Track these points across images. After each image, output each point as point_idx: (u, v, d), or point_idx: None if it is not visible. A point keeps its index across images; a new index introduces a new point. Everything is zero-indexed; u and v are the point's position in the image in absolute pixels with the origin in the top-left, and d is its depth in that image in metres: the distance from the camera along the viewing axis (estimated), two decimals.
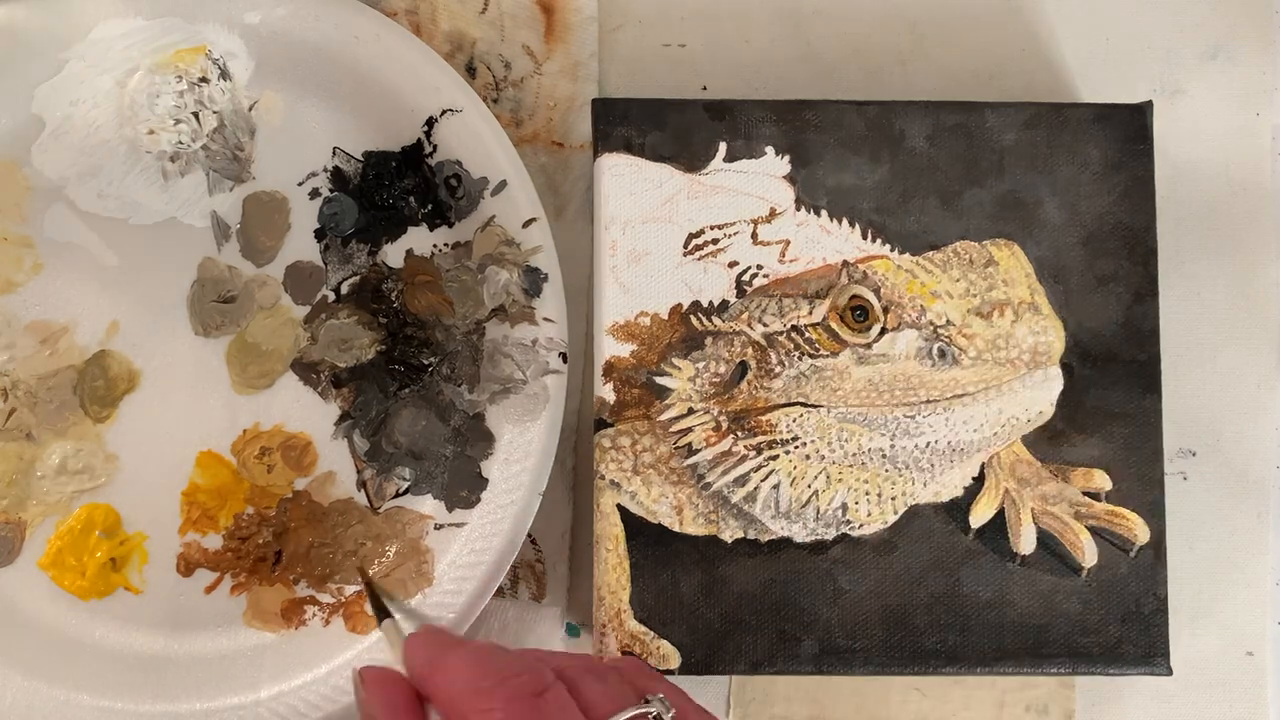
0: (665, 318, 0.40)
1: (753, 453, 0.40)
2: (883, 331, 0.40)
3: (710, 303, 0.40)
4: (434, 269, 0.41)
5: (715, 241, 0.40)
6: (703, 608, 0.39)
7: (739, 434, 0.40)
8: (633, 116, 0.40)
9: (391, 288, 0.41)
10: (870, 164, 0.41)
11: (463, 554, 0.40)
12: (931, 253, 0.40)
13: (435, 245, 0.41)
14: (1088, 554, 0.39)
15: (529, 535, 0.41)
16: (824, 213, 0.40)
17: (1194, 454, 0.43)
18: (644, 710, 0.31)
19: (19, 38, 0.40)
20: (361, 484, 0.41)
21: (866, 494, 0.39)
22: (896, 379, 0.40)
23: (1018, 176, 0.41)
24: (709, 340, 0.40)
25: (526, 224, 0.41)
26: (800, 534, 0.39)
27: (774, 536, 0.39)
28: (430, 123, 0.41)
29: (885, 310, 0.40)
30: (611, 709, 0.30)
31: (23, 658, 0.39)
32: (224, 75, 0.41)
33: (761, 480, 0.40)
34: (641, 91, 0.43)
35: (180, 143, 0.41)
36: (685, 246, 0.40)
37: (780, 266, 0.40)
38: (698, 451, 0.40)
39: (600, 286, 0.40)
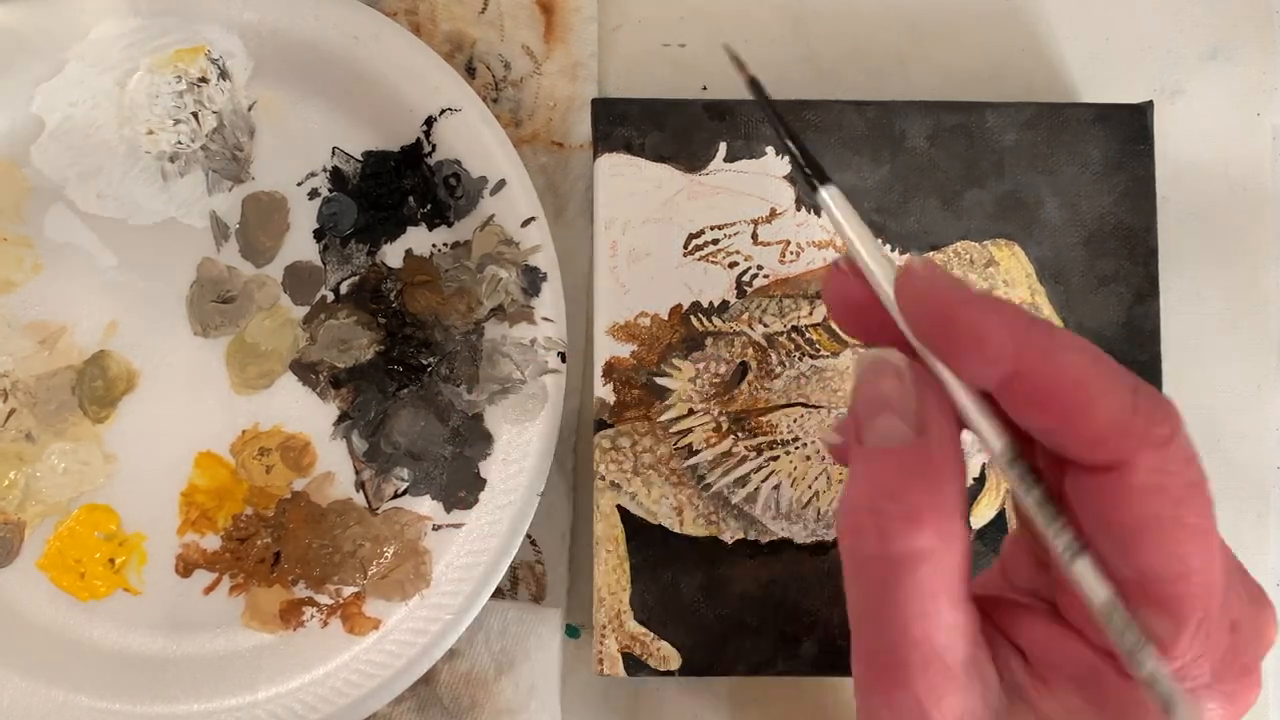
0: (665, 318, 0.40)
1: (753, 453, 0.40)
2: None
3: (710, 303, 0.40)
4: (433, 269, 0.41)
5: (715, 242, 0.40)
6: (703, 609, 0.39)
7: (739, 435, 0.40)
8: (632, 116, 0.40)
9: (390, 288, 0.41)
10: (870, 164, 0.41)
11: (460, 555, 0.40)
12: (932, 253, 0.40)
13: (434, 245, 0.41)
14: None
15: (528, 536, 0.41)
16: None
17: None
18: None
19: (19, 38, 0.40)
20: (360, 485, 0.41)
21: None
22: None
23: (1018, 177, 0.41)
24: (709, 341, 0.40)
25: (525, 223, 0.41)
26: (801, 535, 0.39)
27: (775, 537, 0.39)
28: (429, 122, 0.41)
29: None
30: None
31: (21, 658, 0.39)
32: (223, 75, 0.41)
33: (762, 481, 0.39)
34: (641, 91, 0.43)
35: (179, 143, 0.41)
36: (685, 247, 0.40)
37: (780, 267, 0.40)
38: (698, 452, 0.40)
39: (600, 287, 0.40)
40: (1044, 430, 0.26)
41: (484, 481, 0.40)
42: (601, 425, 0.40)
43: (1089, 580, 0.25)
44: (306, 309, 0.41)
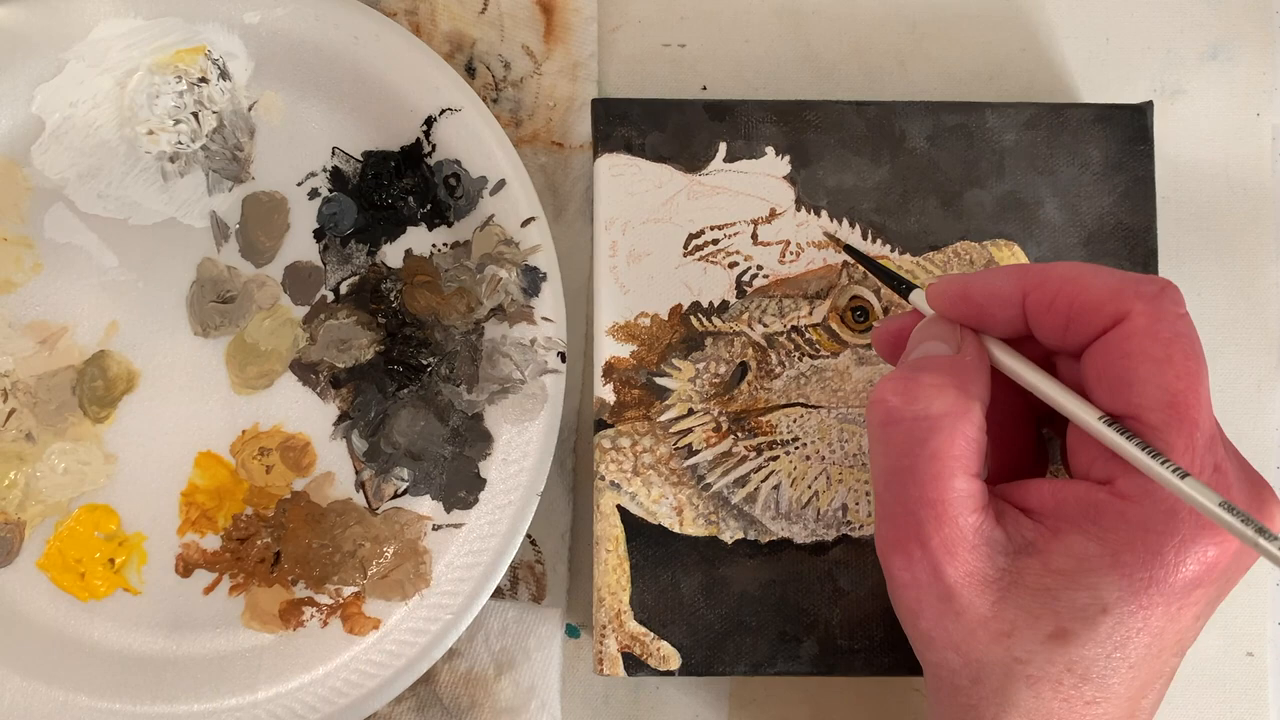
0: (665, 318, 0.40)
1: (753, 453, 0.40)
2: None
3: (710, 303, 0.40)
4: (433, 269, 0.41)
5: (715, 242, 0.40)
6: (703, 609, 0.39)
7: (739, 435, 0.40)
8: (632, 117, 0.40)
9: (390, 288, 0.41)
10: (870, 164, 0.40)
11: (460, 555, 0.40)
12: (932, 253, 0.40)
13: (434, 245, 0.41)
14: None
15: (528, 536, 0.41)
16: (824, 213, 0.40)
17: None
18: None
19: (19, 38, 0.40)
20: (360, 485, 0.41)
21: (867, 495, 0.39)
22: None
23: (1018, 177, 0.41)
24: (709, 341, 0.40)
25: (525, 223, 0.41)
26: (801, 535, 0.39)
27: (774, 537, 0.39)
28: (429, 122, 0.41)
29: (885, 311, 0.40)
30: None
31: (21, 658, 0.39)
32: (224, 75, 0.41)
33: (762, 481, 0.39)
34: (641, 91, 0.43)
35: (180, 143, 0.41)
36: (685, 247, 0.40)
37: (780, 267, 0.40)
38: (698, 452, 0.40)
39: (600, 287, 0.40)
40: (1060, 325, 0.31)
41: (484, 481, 0.40)
42: (601, 425, 0.40)
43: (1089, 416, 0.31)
44: (306, 309, 0.41)
